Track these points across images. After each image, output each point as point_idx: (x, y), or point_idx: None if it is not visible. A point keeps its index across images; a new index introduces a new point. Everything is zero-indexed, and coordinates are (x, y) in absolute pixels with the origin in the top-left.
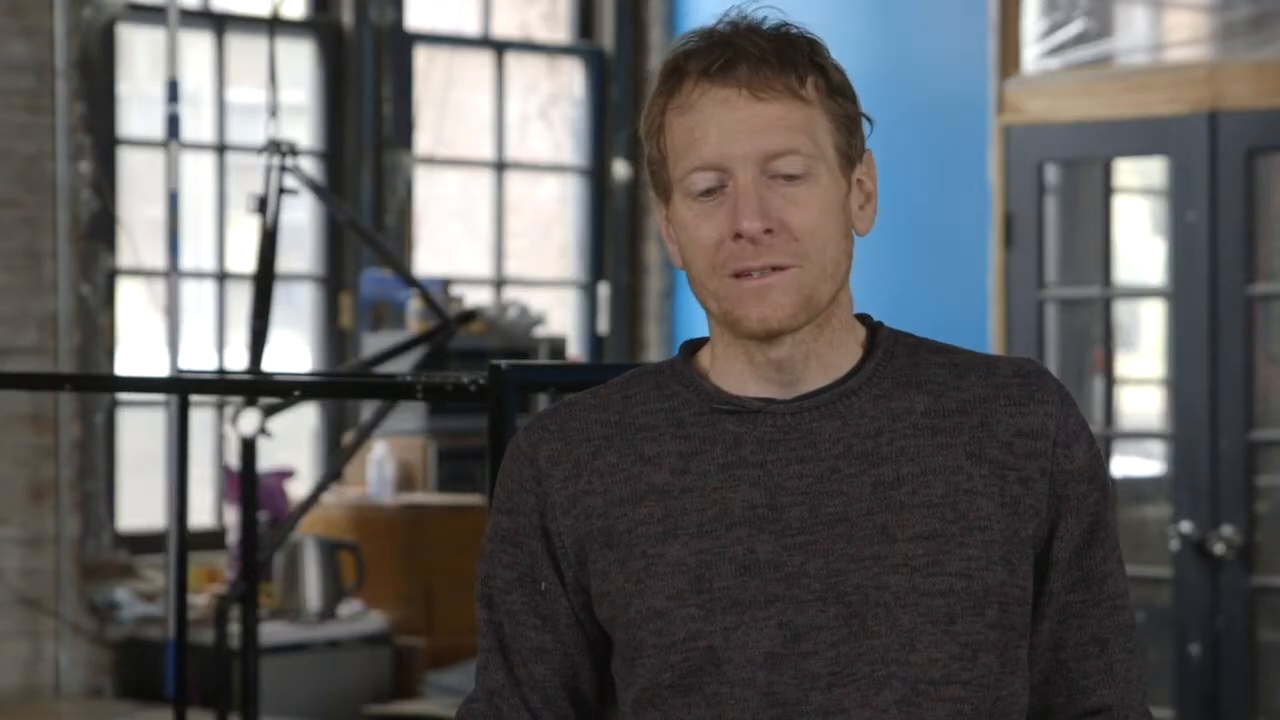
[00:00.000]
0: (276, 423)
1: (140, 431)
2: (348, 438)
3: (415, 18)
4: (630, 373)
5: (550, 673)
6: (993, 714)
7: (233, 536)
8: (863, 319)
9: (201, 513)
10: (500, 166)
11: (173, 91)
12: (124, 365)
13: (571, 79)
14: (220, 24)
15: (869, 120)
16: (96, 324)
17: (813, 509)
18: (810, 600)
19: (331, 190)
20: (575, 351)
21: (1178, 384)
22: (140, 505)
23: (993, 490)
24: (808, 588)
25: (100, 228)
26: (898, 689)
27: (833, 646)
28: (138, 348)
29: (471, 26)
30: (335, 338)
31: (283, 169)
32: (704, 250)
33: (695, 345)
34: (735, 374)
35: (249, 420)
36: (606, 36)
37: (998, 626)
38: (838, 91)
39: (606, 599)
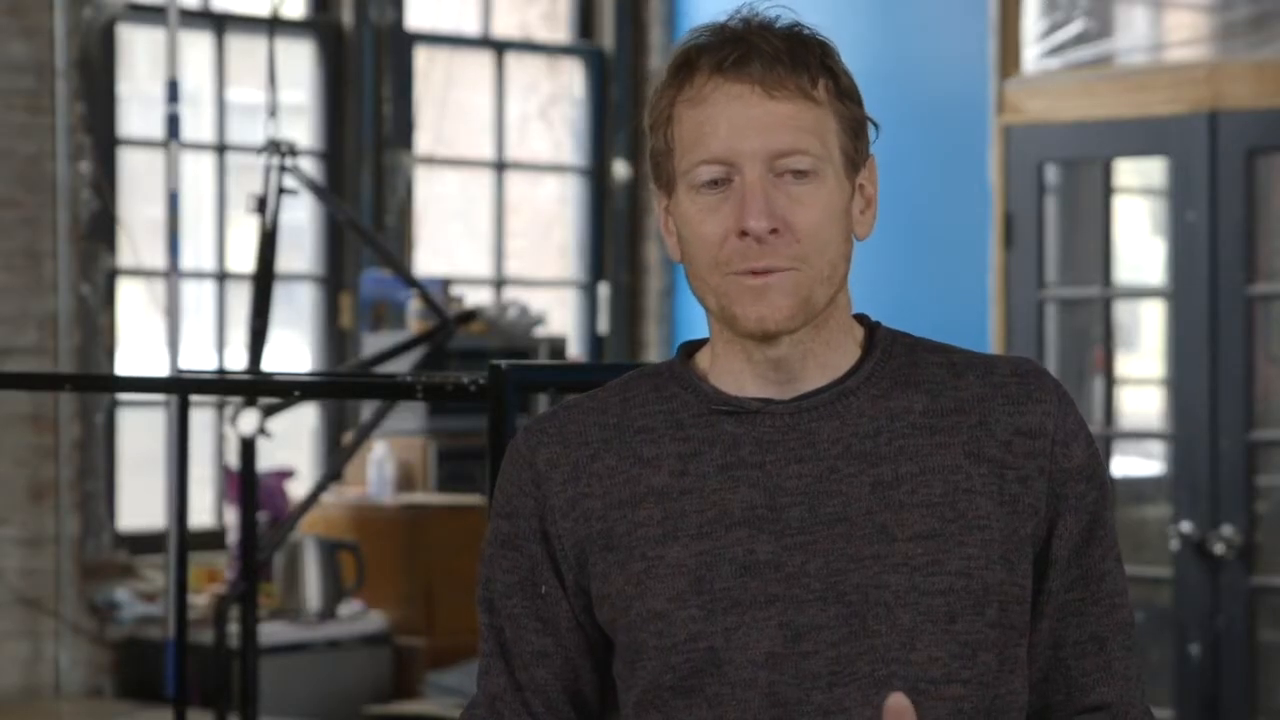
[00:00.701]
0: (276, 423)
1: (140, 431)
2: (348, 438)
3: (415, 18)
4: (628, 375)
5: (552, 676)
6: (992, 712)
7: (233, 536)
8: (860, 319)
9: (201, 513)
10: (500, 166)
11: (173, 91)
12: (124, 365)
13: (571, 79)
14: (220, 24)
15: (875, 125)
16: (96, 324)
17: (812, 509)
18: (810, 600)
19: (331, 190)
20: (575, 351)
21: (1178, 384)
22: (140, 505)
23: (991, 489)
24: (808, 587)
25: (100, 228)
26: (898, 688)
27: (833, 646)
28: (138, 348)
29: (471, 26)
30: (335, 338)
31: (282, 169)
32: (707, 246)
33: (694, 346)
34: (734, 374)
35: (249, 420)
36: (606, 36)
37: (997, 625)
38: (846, 95)
39: (607, 601)
